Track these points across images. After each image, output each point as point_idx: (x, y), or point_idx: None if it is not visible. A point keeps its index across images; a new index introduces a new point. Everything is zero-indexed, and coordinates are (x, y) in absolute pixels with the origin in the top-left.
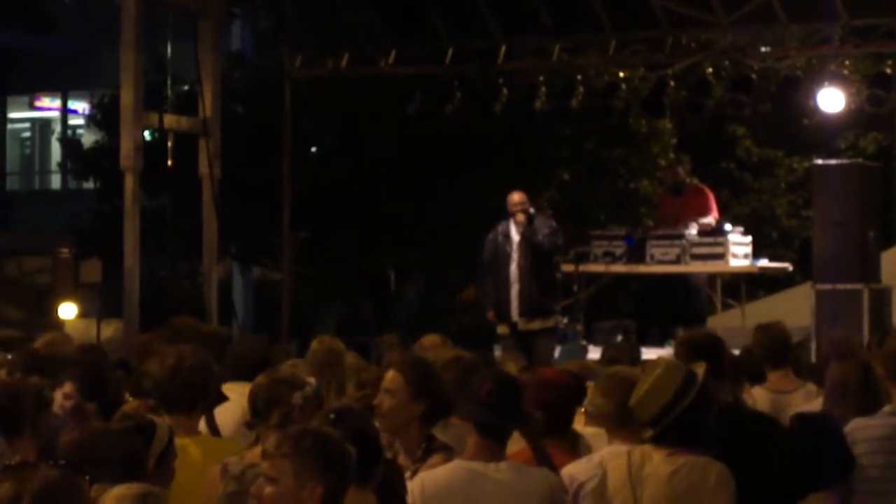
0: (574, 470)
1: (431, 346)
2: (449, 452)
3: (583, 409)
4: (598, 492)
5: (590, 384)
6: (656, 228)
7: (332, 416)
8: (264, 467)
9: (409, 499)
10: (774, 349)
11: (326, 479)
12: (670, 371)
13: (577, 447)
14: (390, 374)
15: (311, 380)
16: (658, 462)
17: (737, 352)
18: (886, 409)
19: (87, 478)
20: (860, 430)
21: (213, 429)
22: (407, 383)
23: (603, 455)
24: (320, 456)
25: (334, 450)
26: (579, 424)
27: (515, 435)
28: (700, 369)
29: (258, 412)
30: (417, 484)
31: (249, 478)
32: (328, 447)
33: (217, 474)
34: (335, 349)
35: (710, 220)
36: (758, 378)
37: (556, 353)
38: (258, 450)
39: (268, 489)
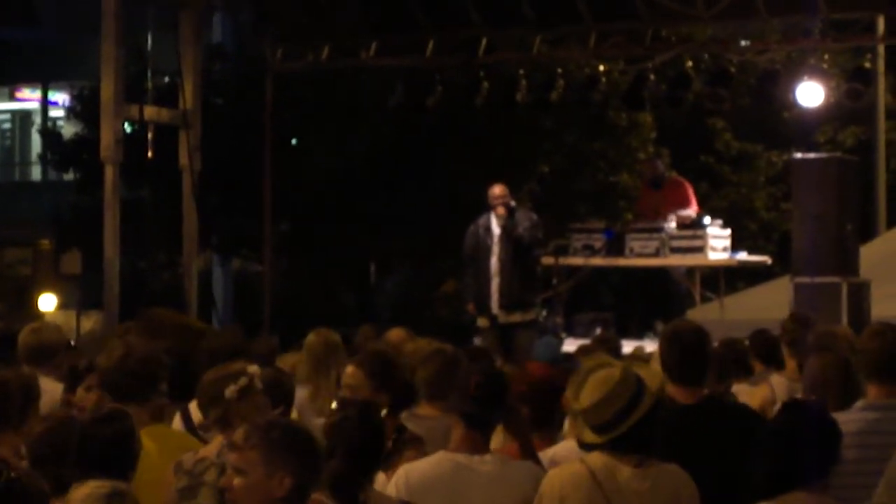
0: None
1: (398, 340)
2: (420, 444)
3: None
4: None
5: None
6: (636, 222)
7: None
8: (232, 459)
9: (393, 490)
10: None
11: (295, 471)
12: (622, 376)
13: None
14: (350, 370)
15: (253, 369)
16: (629, 475)
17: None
18: (859, 403)
19: (63, 473)
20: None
21: (189, 423)
22: (367, 377)
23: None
24: (289, 447)
25: (303, 441)
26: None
27: (497, 429)
28: (650, 374)
29: (204, 411)
30: (402, 475)
31: (199, 471)
32: (297, 438)
33: (170, 469)
34: (332, 341)
35: (690, 212)
36: (743, 371)
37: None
38: (212, 447)
39: (237, 480)
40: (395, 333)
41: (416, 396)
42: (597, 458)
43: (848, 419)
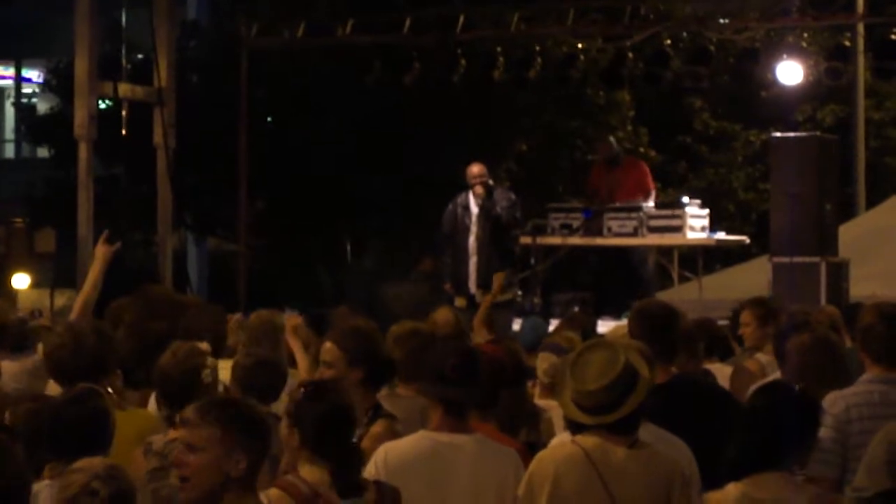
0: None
1: (340, 316)
2: (392, 420)
3: (537, 381)
4: (545, 480)
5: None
6: (588, 200)
7: (303, 389)
8: (184, 435)
9: (373, 470)
10: None
11: (250, 451)
12: (622, 359)
13: (536, 420)
14: (326, 346)
15: (203, 345)
16: (623, 457)
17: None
18: (865, 376)
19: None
20: (841, 398)
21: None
22: (342, 352)
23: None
24: (246, 426)
25: (258, 421)
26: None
27: None
28: (638, 360)
29: (175, 401)
30: (381, 454)
31: (169, 452)
32: (253, 418)
33: (139, 450)
34: (273, 322)
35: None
36: (722, 351)
37: (516, 326)
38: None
39: (192, 458)
40: (341, 311)
41: (394, 372)
42: (590, 440)
43: (854, 392)
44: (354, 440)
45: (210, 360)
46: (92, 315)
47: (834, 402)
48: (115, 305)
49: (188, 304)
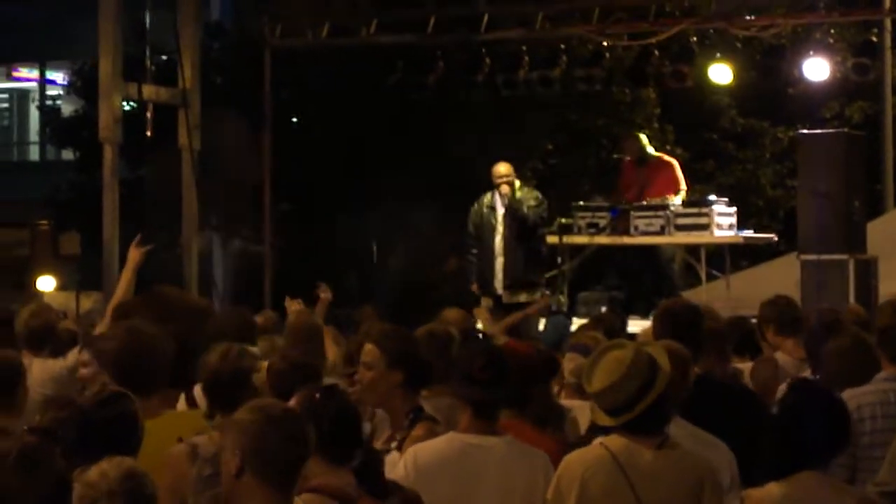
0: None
1: (366, 316)
2: (432, 424)
3: (563, 382)
4: (575, 483)
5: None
6: (616, 199)
7: (317, 394)
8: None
9: (402, 471)
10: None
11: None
12: (634, 358)
13: (561, 421)
14: (367, 347)
15: (255, 349)
16: (651, 458)
17: None
18: (881, 375)
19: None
20: (852, 398)
21: (193, 406)
22: (382, 353)
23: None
24: None
25: None
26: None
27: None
28: (661, 355)
29: (223, 403)
30: (410, 456)
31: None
32: None
33: (182, 452)
34: (313, 324)
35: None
36: (749, 350)
37: (541, 325)
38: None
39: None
40: (366, 312)
41: (433, 375)
42: (617, 441)
43: (869, 391)
44: (395, 444)
45: (260, 363)
46: None
47: (846, 401)
48: (122, 305)
49: (198, 307)
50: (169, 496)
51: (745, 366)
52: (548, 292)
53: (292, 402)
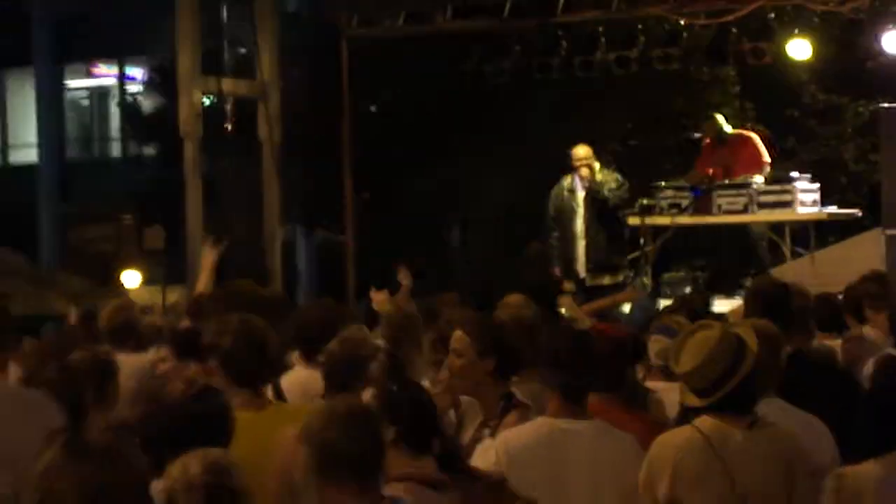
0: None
1: (447, 303)
2: (525, 410)
3: (649, 365)
4: (669, 464)
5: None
6: (698, 180)
7: (394, 387)
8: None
9: (493, 458)
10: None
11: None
12: (721, 337)
13: (645, 401)
14: (457, 335)
15: (379, 342)
16: (743, 439)
17: None
18: None
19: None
20: None
21: (280, 398)
22: (473, 341)
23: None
24: None
25: None
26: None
27: None
28: (748, 335)
29: (338, 383)
30: (501, 442)
31: None
32: None
33: (293, 437)
34: (410, 315)
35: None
36: (836, 326)
37: (626, 308)
38: None
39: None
40: (448, 297)
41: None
42: (708, 423)
43: None
44: (487, 430)
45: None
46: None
47: None
48: (197, 302)
49: (274, 299)
50: (278, 479)
51: (833, 342)
52: (631, 273)
53: (367, 396)
